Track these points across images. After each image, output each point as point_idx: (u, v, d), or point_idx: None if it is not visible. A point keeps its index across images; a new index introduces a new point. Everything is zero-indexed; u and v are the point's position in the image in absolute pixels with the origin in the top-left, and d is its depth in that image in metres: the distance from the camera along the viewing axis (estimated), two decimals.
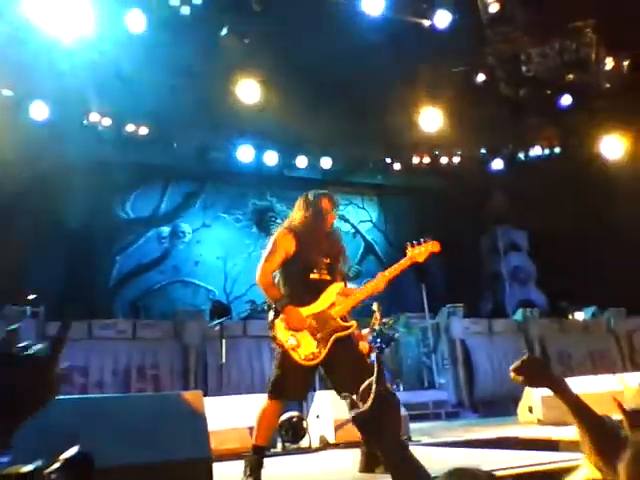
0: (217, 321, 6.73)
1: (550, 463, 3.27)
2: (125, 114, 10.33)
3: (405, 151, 12.82)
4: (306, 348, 3.45)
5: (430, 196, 13.82)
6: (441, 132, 11.92)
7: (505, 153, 13.11)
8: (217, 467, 3.54)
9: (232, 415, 5.03)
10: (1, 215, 9.07)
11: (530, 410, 6.24)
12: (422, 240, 3.73)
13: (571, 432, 4.13)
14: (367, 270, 13.05)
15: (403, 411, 5.50)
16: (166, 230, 12.05)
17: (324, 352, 3.46)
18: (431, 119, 10.72)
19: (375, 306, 5.37)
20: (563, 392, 1.76)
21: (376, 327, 5.76)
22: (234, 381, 7.39)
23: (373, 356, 7.14)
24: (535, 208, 11.80)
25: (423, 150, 12.79)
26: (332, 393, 5.27)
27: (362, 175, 13.46)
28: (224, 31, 8.99)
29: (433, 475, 1.56)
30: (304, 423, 5.24)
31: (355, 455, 3.70)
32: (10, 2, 7.40)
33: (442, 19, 8.99)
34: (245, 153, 11.60)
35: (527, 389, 6.31)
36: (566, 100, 11.08)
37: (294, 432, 5.18)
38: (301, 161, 12.12)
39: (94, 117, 10.01)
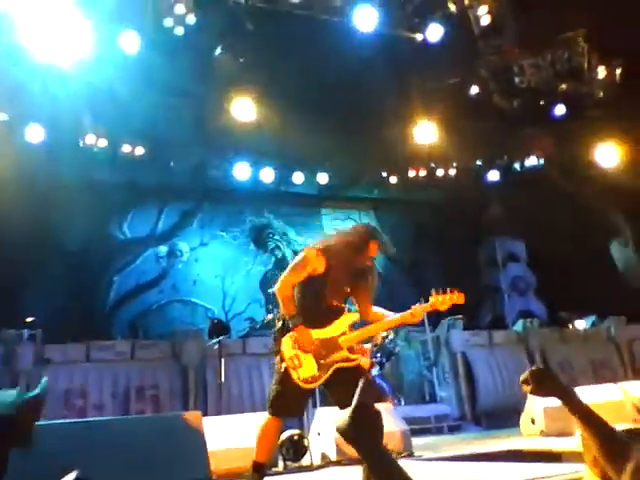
0: (216, 340, 6.70)
1: (553, 476, 3.23)
2: (121, 135, 10.36)
3: (401, 165, 12.87)
4: (307, 370, 3.44)
5: (427, 209, 13.84)
6: (436, 145, 11.99)
7: (500, 164, 13.16)
8: None
9: (232, 435, 4.98)
10: None
11: (532, 422, 6.20)
12: (448, 290, 3.70)
13: (574, 443, 4.10)
14: None
15: (404, 426, 5.47)
16: (164, 249, 12.03)
17: (323, 378, 3.46)
18: (426, 132, 10.79)
19: None
20: (572, 401, 1.77)
21: (378, 342, 5.73)
22: (234, 400, 7.33)
23: (374, 371, 7.12)
24: (533, 218, 11.83)
25: (419, 163, 12.84)
26: (333, 410, 5.24)
27: (358, 190, 13.49)
28: (218, 50, 9.07)
29: None
30: (305, 441, 5.20)
31: (357, 472, 3.66)
32: (3, 26, 7.45)
33: (434, 33, 9.08)
34: (241, 170, 11.63)
35: (529, 401, 6.27)
36: (560, 110, 11.16)
37: (295, 450, 5.13)
38: (297, 177, 12.16)
39: (90, 139, 10.04)
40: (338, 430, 1.40)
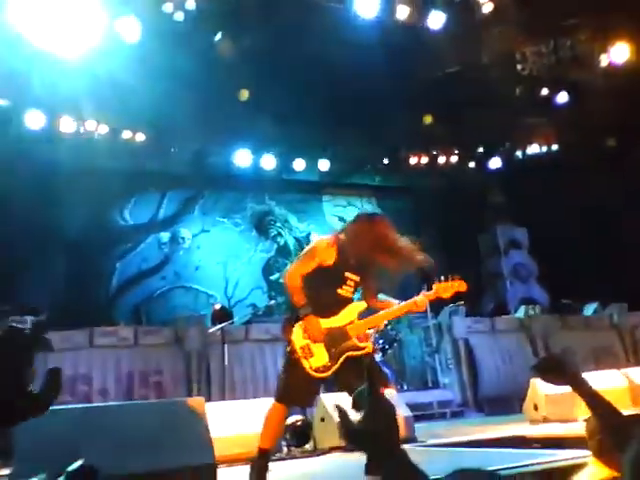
0: (218, 326, 6.71)
1: (556, 461, 3.25)
2: (121, 121, 10.32)
3: (403, 151, 12.83)
4: (318, 360, 3.45)
5: (429, 196, 13.82)
6: (438, 132, 11.95)
7: (502, 152, 13.12)
8: (221, 473, 3.52)
9: (235, 421, 5.00)
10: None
11: (535, 408, 6.22)
12: (450, 277, 3.71)
13: (577, 429, 4.12)
14: None
15: (407, 412, 5.49)
16: (166, 236, 12.03)
17: (335, 367, 3.47)
18: (428, 120, 10.75)
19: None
20: (582, 388, 1.78)
21: (381, 327, 5.73)
22: (237, 386, 7.37)
23: (379, 356, 7.14)
24: (534, 205, 11.81)
25: (421, 150, 12.80)
26: (336, 396, 5.26)
27: (360, 176, 13.46)
28: (218, 36, 9.00)
29: (438, 476, 1.54)
30: (308, 427, 5.22)
31: (361, 458, 3.68)
32: (2, 12, 7.38)
33: (436, 20, 8.99)
34: (242, 157, 11.60)
35: (532, 387, 6.29)
36: (562, 97, 11.09)
37: (299, 436, 5.16)
38: (299, 164, 12.12)
39: (90, 125, 10.00)
40: (347, 436, 1.28)
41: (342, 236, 3.65)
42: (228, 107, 10.16)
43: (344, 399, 3.46)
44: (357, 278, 3.63)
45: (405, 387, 8.58)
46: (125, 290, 11.40)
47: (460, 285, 3.72)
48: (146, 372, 7.22)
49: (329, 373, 3.49)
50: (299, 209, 13.30)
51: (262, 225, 12.89)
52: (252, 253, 12.61)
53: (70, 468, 1.57)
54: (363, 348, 3.53)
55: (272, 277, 12.56)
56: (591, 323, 10.21)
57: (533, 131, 12.56)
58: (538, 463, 3.24)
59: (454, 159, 13.00)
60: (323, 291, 3.55)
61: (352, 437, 1.26)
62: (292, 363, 3.51)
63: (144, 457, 2.91)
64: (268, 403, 3.65)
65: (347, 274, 3.58)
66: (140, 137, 10.53)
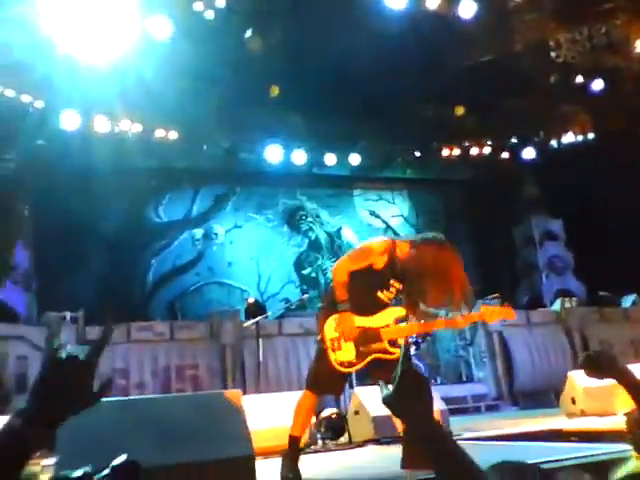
0: (253, 320, 6.78)
1: (595, 455, 3.20)
2: (154, 120, 10.47)
3: (434, 144, 12.72)
4: (345, 354, 3.48)
5: (461, 188, 13.68)
6: (470, 123, 11.80)
7: (537, 141, 12.89)
8: (257, 465, 3.56)
9: (270, 413, 5.05)
10: (39, 224, 9.32)
11: (573, 401, 6.12)
12: (500, 301, 3.67)
13: (616, 423, 4.05)
14: None
15: (442, 405, 5.47)
16: (199, 232, 12.19)
17: (359, 365, 3.51)
18: (459, 111, 10.64)
19: None
20: (630, 381, 1.78)
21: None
22: (271, 379, 7.44)
23: (412, 350, 7.10)
24: (570, 196, 11.58)
25: (452, 142, 12.67)
26: (370, 389, 5.27)
27: (391, 170, 13.38)
28: (248, 33, 9.05)
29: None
30: (343, 420, 5.24)
31: (395, 450, 3.69)
32: (36, 13, 7.53)
33: (467, 9, 8.88)
34: (273, 153, 11.65)
35: (569, 380, 6.19)
36: (598, 85, 10.85)
37: (333, 429, 5.19)
38: (329, 158, 12.11)
39: (124, 125, 10.17)
40: (385, 402, 1.34)
41: (402, 246, 3.58)
42: (259, 103, 10.22)
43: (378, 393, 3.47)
44: (400, 286, 3.63)
45: (439, 381, 8.54)
46: (160, 286, 11.61)
47: (508, 313, 3.66)
48: (182, 366, 7.34)
49: (352, 370, 3.52)
50: (330, 204, 13.31)
51: (294, 220, 12.95)
52: (284, 248, 12.68)
53: (114, 462, 1.61)
54: (392, 354, 3.52)
55: (304, 271, 12.61)
56: (630, 315, 10.00)
57: (568, 120, 12.31)
58: (577, 457, 3.20)
59: (487, 150, 12.81)
60: (364, 291, 3.57)
61: (386, 402, 1.32)
62: (321, 353, 3.56)
63: (184, 449, 2.96)
64: (302, 392, 3.70)
65: (392, 281, 3.59)
66: (173, 135, 10.66)
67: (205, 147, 11.16)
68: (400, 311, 3.62)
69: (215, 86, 9.68)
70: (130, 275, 11.22)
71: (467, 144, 12.74)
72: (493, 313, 3.60)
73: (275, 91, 10.30)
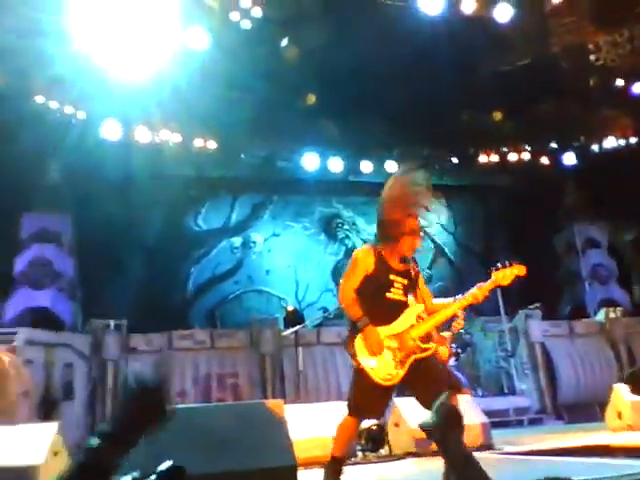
0: (293, 329, 6.81)
1: None
2: (192, 129, 10.63)
3: (471, 149, 12.59)
4: (384, 369, 3.45)
5: (499, 195, 13.50)
6: (508, 128, 11.65)
7: (577, 146, 12.63)
8: (298, 475, 3.58)
9: (310, 423, 5.06)
10: (82, 233, 9.55)
11: (619, 416, 5.95)
12: (507, 262, 3.61)
13: None
14: (438, 274, 12.86)
15: (484, 418, 5.39)
16: (238, 241, 12.33)
17: (402, 373, 3.45)
18: (497, 116, 10.52)
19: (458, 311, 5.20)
20: None
21: (458, 329, 5.63)
22: (310, 389, 7.45)
23: (452, 361, 7.04)
24: (613, 202, 11.30)
25: (490, 148, 12.52)
26: (411, 401, 5.23)
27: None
28: (284, 42, 9.14)
29: None
30: (383, 432, 5.21)
31: (435, 464, 3.65)
32: (76, 28, 7.73)
33: (503, 13, 8.79)
34: (310, 161, 11.70)
35: (615, 394, 6.03)
36: (638, 88, 10.59)
37: (374, 441, 5.16)
38: (366, 166, 12.10)
39: (164, 135, 10.36)
40: (422, 427, 1.39)
41: (375, 240, 3.68)
42: (295, 112, 10.29)
43: (417, 405, 3.45)
44: (404, 281, 3.60)
45: (480, 393, 8.40)
46: (200, 294, 11.77)
47: (519, 269, 3.59)
48: (223, 374, 7.41)
49: (398, 379, 3.47)
50: (366, 211, 13.28)
51: (330, 228, 12.97)
52: (321, 256, 12.72)
53: (160, 468, 1.65)
54: (427, 349, 3.50)
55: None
56: None
57: (609, 124, 12.03)
58: (623, 475, 3.11)
59: (526, 156, 12.61)
60: (374, 299, 3.55)
61: (425, 430, 1.39)
62: (359, 376, 3.51)
63: (228, 458, 2.99)
64: (342, 406, 3.68)
65: (392, 277, 3.57)
66: (211, 145, 10.82)
67: (242, 156, 11.28)
68: (419, 307, 3.60)
69: (251, 95, 9.79)
70: (170, 283, 11.40)
71: (505, 150, 12.57)
72: (505, 276, 3.54)
73: (311, 99, 10.36)
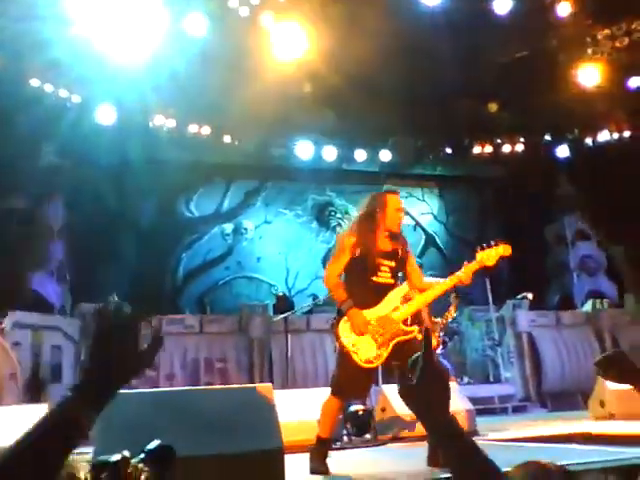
0: (282, 315, 6.85)
1: (624, 460, 3.18)
2: (187, 115, 10.60)
3: (466, 140, 12.61)
4: (367, 351, 3.50)
5: (492, 186, 13.54)
6: (503, 120, 11.66)
7: (571, 139, 12.67)
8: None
9: (298, 408, 5.11)
10: (74, 216, 9.53)
11: (602, 404, 6.05)
12: (492, 242, 3.62)
13: None
14: (429, 263, 12.92)
15: (469, 405, 5.46)
16: (229, 227, 12.35)
17: (384, 355, 3.50)
18: (493, 108, 10.53)
19: (452, 299, 5.22)
20: None
21: (451, 317, 5.66)
22: (298, 374, 7.50)
23: (439, 349, 7.10)
24: (604, 195, 11.36)
25: (485, 139, 12.54)
26: (397, 386, 5.28)
27: (422, 166, 13.32)
28: (283, 27, 9.07)
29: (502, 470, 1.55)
30: (370, 416, 5.27)
31: (421, 449, 3.71)
32: (73, 12, 7.68)
33: (502, 4, 8.78)
34: (304, 149, 11.69)
35: (598, 383, 6.12)
36: (635, 82, 10.62)
37: (360, 425, 5.22)
38: (359, 155, 12.11)
39: (159, 120, 10.33)
40: (400, 393, 1.33)
41: (356, 222, 3.74)
42: (290, 99, 10.26)
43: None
44: (392, 263, 3.63)
45: (466, 380, 8.50)
46: (190, 280, 11.79)
47: (505, 249, 3.63)
48: (211, 359, 7.46)
49: (380, 362, 3.52)
50: (359, 200, 13.25)
51: (323, 216, 13.00)
52: (313, 244, 12.75)
53: (148, 447, 1.67)
54: (410, 332, 3.55)
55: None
56: None
57: (603, 117, 12.07)
58: (605, 461, 3.18)
59: (519, 148, 12.66)
60: (360, 282, 3.59)
61: (404, 394, 1.30)
62: (343, 357, 3.57)
63: (217, 441, 3.02)
64: (329, 392, 3.73)
65: (378, 260, 3.59)
66: (206, 130, 10.79)
67: (237, 142, 11.26)
68: (403, 289, 3.63)
69: (247, 81, 9.74)
70: (161, 268, 11.41)
71: (499, 141, 12.60)
72: (490, 256, 3.57)
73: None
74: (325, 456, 3.62)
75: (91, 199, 9.52)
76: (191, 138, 10.75)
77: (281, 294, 10.51)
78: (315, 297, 9.85)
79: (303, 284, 12.34)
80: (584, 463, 3.07)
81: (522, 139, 12.68)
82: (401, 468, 3.82)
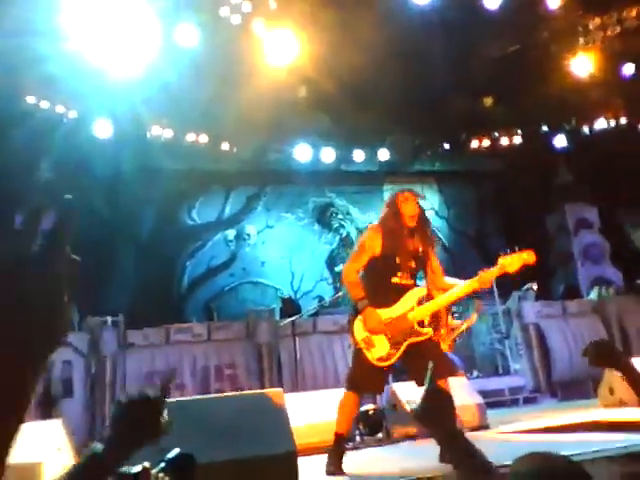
0: (289, 319, 6.87)
1: (634, 446, 3.19)
2: (183, 125, 10.64)
3: (463, 135, 12.64)
4: (379, 350, 3.54)
5: (492, 179, 13.57)
6: (499, 113, 11.69)
7: (568, 129, 12.69)
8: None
9: (308, 411, 5.14)
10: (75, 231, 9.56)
11: (611, 392, 6.06)
12: (516, 248, 3.59)
13: None
14: None
15: (479, 399, 5.49)
16: (232, 233, 12.40)
17: (397, 355, 3.54)
18: (488, 102, 10.56)
19: (475, 305, 5.19)
20: (631, 374, 1.77)
21: (471, 323, 5.64)
22: (307, 377, 7.53)
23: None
24: (604, 182, 11.38)
25: (482, 133, 12.57)
26: (408, 385, 5.32)
27: (420, 163, 13.35)
28: (277, 33, 9.10)
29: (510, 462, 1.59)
30: (381, 415, 5.30)
31: (432, 447, 3.73)
32: (67, 27, 7.72)
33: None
34: (302, 152, 11.73)
35: (608, 370, 6.12)
36: (629, 69, 10.63)
37: (372, 425, 5.25)
38: (358, 155, 12.14)
39: (156, 130, 10.38)
40: (414, 416, 1.54)
41: (379, 222, 3.77)
42: (284, 104, 10.29)
43: (414, 388, 3.54)
44: (412, 264, 3.65)
45: (475, 374, 8.51)
46: (195, 288, 11.84)
47: (529, 256, 3.58)
48: (220, 366, 7.48)
49: (392, 361, 3.56)
50: (360, 200, 13.35)
51: (324, 218, 13.04)
52: (315, 246, 12.79)
53: (168, 456, 1.70)
54: (424, 334, 3.57)
55: (336, 268, 12.70)
56: None
57: (599, 106, 12.08)
58: (617, 448, 3.20)
59: (517, 140, 12.68)
60: (379, 282, 3.62)
61: (415, 417, 1.53)
62: (357, 354, 3.62)
63: (231, 447, 3.06)
64: (339, 393, 3.79)
65: (402, 260, 3.62)
66: (203, 139, 10.84)
67: (235, 149, 11.30)
68: (421, 291, 3.65)
69: (241, 88, 9.78)
70: (166, 278, 11.46)
71: (497, 134, 12.63)
72: (513, 261, 3.53)
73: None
74: (342, 456, 3.66)
75: (89, 212, 9.56)
76: (188, 147, 10.80)
77: (287, 297, 10.55)
78: (321, 299, 9.89)
79: (308, 286, 12.38)
80: (591, 452, 3.09)
81: (519, 131, 12.71)
82: (414, 465, 3.84)
